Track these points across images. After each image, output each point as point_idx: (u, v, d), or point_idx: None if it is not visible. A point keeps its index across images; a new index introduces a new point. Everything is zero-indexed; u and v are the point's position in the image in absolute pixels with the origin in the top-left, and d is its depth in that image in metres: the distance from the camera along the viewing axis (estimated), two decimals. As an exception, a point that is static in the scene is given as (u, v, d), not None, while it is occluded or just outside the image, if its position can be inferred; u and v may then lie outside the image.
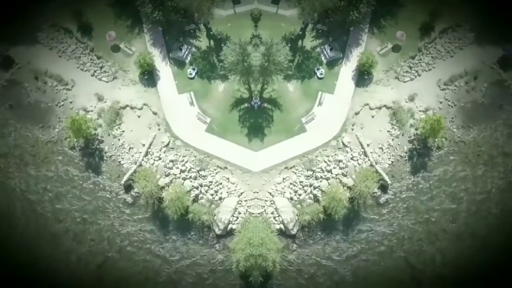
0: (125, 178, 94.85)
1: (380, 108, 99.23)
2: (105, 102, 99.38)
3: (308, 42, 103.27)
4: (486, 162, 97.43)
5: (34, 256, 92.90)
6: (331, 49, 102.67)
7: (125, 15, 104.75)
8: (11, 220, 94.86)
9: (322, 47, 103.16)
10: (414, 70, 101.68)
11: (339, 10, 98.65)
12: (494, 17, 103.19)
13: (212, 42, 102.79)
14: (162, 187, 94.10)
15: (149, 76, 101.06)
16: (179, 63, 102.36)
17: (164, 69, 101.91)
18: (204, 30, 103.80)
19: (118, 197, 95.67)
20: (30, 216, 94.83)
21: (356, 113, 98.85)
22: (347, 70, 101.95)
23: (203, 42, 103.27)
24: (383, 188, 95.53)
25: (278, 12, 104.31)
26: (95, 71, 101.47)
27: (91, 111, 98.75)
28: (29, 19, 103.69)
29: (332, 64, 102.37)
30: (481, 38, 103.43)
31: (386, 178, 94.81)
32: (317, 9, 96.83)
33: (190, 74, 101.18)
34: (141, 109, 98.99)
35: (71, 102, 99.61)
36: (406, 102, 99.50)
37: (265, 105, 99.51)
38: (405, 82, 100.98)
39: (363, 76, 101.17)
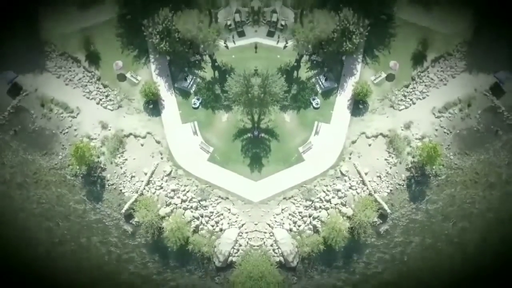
0: (126, 207, 65.88)
1: (376, 136, 70.17)
2: (109, 130, 70.36)
3: (303, 73, 74.47)
4: (485, 188, 67.90)
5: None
6: (326, 79, 73.96)
7: (133, 45, 75.65)
8: (8, 246, 65.28)
9: (317, 77, 74.37)
10: (408, 98, 72.60)
11: (332, 41, 70.83)
12: (484, 46, 74.48)
13: (216, 73, 74.25)
14: (163, 217, 65.11)
15: (153, 105, 72.20)
16: (184, 93, 73.48)
17: (169, 99, 72.89)
18: (209, 61, 75.11)
19: (118, 226, 66.45)
20: (30, 243, 65.54)
21: (353, 142, 69.93)
22: (342, 99, 72.95)
23: (208, 73, 74.46)
24: (383, 217, 66.32)
25: (273, 44, 75.58)
26: (100, 99, 72.43)
27: (95, 138, 69.70)
28: (38, 47, 74.54)
29: (327, 94, 73.46)
30: (472, 66, 74.17)
31: (386, 207, 65.88)
32: (311, 40, 69.80)
33: (195, 104, 72.57)
34: (144, 137, 70.04)
35: (75, 130, 70.49)
36: (402, 130, 70.50)
37: (262, 135, 71.10)
38: (400, 110, 71.86)
39: (358, 105, 72.22)
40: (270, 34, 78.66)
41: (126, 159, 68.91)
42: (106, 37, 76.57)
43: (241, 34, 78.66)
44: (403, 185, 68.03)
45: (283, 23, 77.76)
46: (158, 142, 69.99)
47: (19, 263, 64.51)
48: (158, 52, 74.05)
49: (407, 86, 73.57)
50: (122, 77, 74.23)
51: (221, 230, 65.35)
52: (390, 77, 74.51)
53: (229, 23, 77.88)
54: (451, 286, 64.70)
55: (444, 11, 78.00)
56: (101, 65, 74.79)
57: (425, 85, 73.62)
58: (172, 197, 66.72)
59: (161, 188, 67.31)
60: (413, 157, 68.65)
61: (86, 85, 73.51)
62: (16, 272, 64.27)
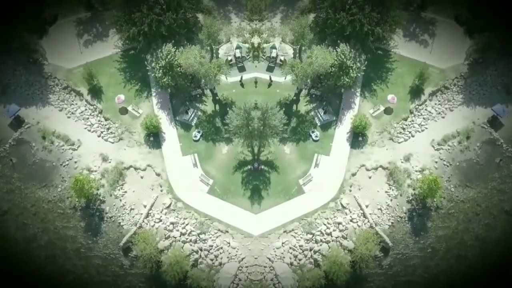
0: (124, 240, 64.85)
1: (376, 169, 70.10)
2: (110, 162, 70.40)
3: (302, 107, 75.54)
4: (487, 221, 66.98)
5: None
6: (324, 113, 74.87)
7: (135, 80, 77.26)
8: (5, 278, 63.41)
9: (316, 110, 75.30)
10: (407, 131, 73.11)
11: (330, 75, 72.17)
12: (480, 79, 76.07)
13: (217, 107, 75.39)
14: (161, 250, 63.89)
15: (154, 138, 72.50)
16: (185, 126, 74.20)
17: (170, 131, 73.42)
18: (210, 95, 76.59)
19: (116, 259, 64.99)
20: (26, 274, 63.76)
21: (353, 174, 69.74)
22: (341, 132, 73.44)
23: (208, 107, 75.62)
24: (385, 250, 65.11)
25: (273, 79, 77.31)
26: (102, 132, 72.95)
27: (95, 171, 69.58)
28: (42, 81, 76.00)
29: (326, 126, 74.14)
30: (469, 100, 75.23)
31: (387, 240, 64.90)
32: (310, 75, 70.83)
33: (195, 136, 72.99)
34: (144, 170, 69.97)
35: (75, 162, 70.50)
36: (402, 162, 70.50)
37: (263, 167, 71.13)
38: (399, 143, 72.14)
39: (357, 138, 72.54)
40: (270, 69, 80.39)
41: (125, 192, 68.55)
42: (109, 72, 78.45)
43: (242, 69, 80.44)
44: (404, 218, 67.30)
45: (282, 58, 79.81)
46: (158, 175, 69.84)
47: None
48: (160, 86, 75.16)
49: (405, 119, 74.26)
50: (124, 111, 75.15)
51: (220, 264, 64.02)
52: (388, 111, 75.42)
53: (229, 58, 79.96)
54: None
55: (440, 46, 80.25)
56: (103, 98, 75.98)
57: (424, 118, 74.40)
58: (171, 230, 65.80)
59: (160, 221, 66.51)
60: (413, 189, 68.24)
61: (88, 118, 74.34)
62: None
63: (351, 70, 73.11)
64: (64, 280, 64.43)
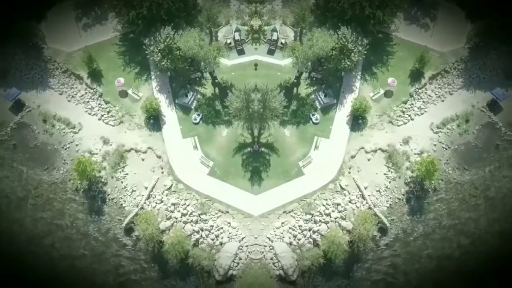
0: (126, 221, 69.20)
1: (375, 151, 74.16)
2: (111, 145, 74.40)
3: (303, 90, 79.29)
4: (484, 203, 71.28)
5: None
6: (325, 96, 78.67)
7: (134, 63, 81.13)
8: (7, 261, 67.72)
9: (316, 93, 79.15)
10: (406, 114, 77.06)
11: (331, 58, 75.80)
12: (480, 63, 79.80)
13: (217, 90, 79.20)
14: (163, 231, 68.34)
15: (154, 121, 76.45)
16: (185, 109, 78.12)
17: (170, 114, 77.43)
18: (210, 78, 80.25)
19: (118, 240, 69.35)
20: (30, 257, 67.99)
21: (352, 157, 73.82)
22: (341, 115, 77.47)
23: (208, 90, 79.40)
24: (383, 231, 69.49)
25: (274, 62, 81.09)
26: (102, 115, 76.92)
27: (96, 154, 73.70)
28: (41, 65, 79.70)
29: (327, 109, 78.06)
30: (469, 83, 79.15)
31: (385, 220, 69.25)
32: (311, 58, 74.33)
33: (195, 119, 76.96)
34: (145, 152, 74.03)
35: (77, 145, 74.58)
36: (401, 145, 74.51)
37: (263, 149, 75.15)
38: (399, 126, 76.23)
39: (357, 121, 76.53)
40: (271, 52, 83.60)
41: (127, 174, 72.63)
42: (108, 55, 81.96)
43: (241, 52, 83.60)
44: (402, 200, 71.47)
45: (283, 41, 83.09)
46: (159, 157, 73.84)
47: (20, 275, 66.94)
48: (159, 69, 78.85)
49: (405, 102, 78.10)
50: (123, 94, 78.98)
51: (221, 243, 68.31)
52: (388, 94, 79.26)
53: (229, 41, 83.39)
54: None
55: (441, 30, 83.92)
56: (103, 82, 79.73)
57: (423, 102, 78.26)
58: (172, 211, 70.00)
59: (162, 202, 70.67)
60: (412, 172, 72.30)
61: (88, 102, 78.19)
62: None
63: (352, 54, 76.69)
64: (67, 261, 68.56)
